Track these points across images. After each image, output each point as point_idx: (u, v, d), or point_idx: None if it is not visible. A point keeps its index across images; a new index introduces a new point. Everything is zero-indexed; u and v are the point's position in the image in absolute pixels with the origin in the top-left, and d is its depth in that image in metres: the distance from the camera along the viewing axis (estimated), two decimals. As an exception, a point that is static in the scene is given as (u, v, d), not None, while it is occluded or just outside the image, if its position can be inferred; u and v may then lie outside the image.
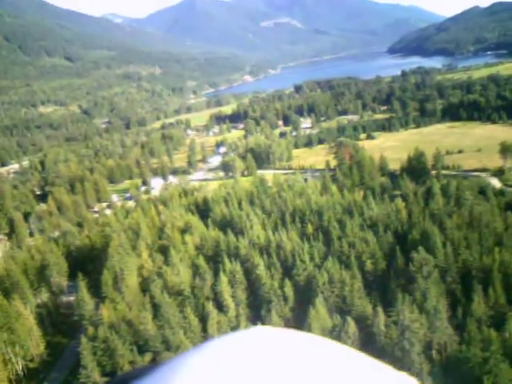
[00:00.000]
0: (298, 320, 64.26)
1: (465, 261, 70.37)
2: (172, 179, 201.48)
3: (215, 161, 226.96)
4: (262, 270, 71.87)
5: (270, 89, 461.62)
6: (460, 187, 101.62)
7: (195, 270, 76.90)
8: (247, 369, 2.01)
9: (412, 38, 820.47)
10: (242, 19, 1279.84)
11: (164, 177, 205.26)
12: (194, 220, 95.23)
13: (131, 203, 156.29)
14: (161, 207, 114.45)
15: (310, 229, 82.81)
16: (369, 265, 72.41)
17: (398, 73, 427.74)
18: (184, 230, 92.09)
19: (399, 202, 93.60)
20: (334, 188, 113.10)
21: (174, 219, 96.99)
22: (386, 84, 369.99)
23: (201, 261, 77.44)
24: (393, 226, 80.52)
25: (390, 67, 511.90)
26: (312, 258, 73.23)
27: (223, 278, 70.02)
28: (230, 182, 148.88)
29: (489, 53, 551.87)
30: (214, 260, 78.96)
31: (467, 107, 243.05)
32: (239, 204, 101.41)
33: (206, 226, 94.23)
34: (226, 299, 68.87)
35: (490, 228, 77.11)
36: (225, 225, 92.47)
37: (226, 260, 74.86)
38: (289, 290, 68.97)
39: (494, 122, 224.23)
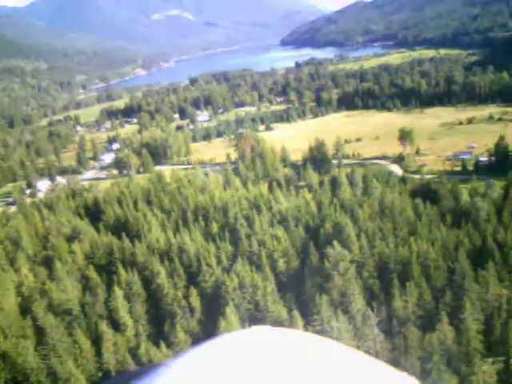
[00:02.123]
0: (207, 334, 56.33)
1: (381, 253, 66.12)
2: (61, 180, 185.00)
3: (108, 158, 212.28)
4: (163, 279, 63.10)
5: (164, 82, 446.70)
6: (366, 176, 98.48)
7: (85, 284, 66.53)
8: (247, 368, 1.97)
9: (303, 30, 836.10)
10: (132, 11, 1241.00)
11: (51, 178, 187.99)
12: (83, 225, 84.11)
13: (14, 208, 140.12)
14: (46, 212, 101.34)
15: (215, 228, 75.01)
16: (281, 264, 66.09)
17: (292, 64, 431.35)
18: (72, 238, 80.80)
19: (307, 193, 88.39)
20: (237, 181, 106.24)
21: (60, 225, 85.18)
22: (281, 75, 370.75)
23: (91, 272, 67.21)
24: (303, 219, 74.85)
25: (284, 59, 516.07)
26: (219, 261, 65.59)
27: (118, 292, 60.28)
28: (125, 180, 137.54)
29: (376, 44, 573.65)
30: (108, 270, 68.95)
31: (362, 96, 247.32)
32: (135, 204, 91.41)
33: (98, 230, 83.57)
34: (123, 316, 59.09)
35: (402, 217, 73.79)
36: (119, 228, 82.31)
37: (121, 270, 65.22)
38: (195, 300, 60.72)
39: (389, 109, 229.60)
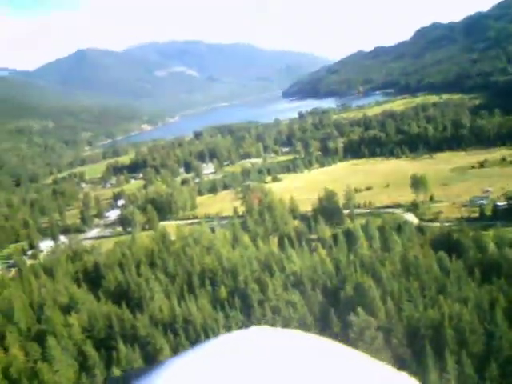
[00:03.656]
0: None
1: (409, 317, 59.39)
2: (64, 240, 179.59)
3: (113, 215, 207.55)
4: (166, 356, 56.45)
5: (169, 137, 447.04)
6: (383, 228, 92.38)
7: (82, 362, 59.76)
8: (247, 369, 2.03)
9: (305, 82, 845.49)
10: (136, 69, 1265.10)
11: (54, 237, 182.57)
12: (81, 293, 77.82)
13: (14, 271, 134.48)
14: (44, 278, 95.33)
15: (223, 293, 68.56)
16: (298, 333, 59.21)
17: (296, 115, 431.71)
18: (69, 307, 74.41)
19: (321, 250, 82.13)
20: (246, 238, 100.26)
21: (56, 294, 78.97)
22: (286, 126, 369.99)
23: (89, 348, 60.62)
24: (320, 281, 68.34)
25: (287, 110, 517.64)
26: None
27: (117, 372, 53.54)
28: (129, 239, 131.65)
29: (377, 92, 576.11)
30: (107, 345, 62.28)
31: (368, 143, 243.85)
32: (137, 267, 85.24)
33: (98, 298, 77.24)
34: (122, 401, 52.39)
35: (429, 274, 67.29)
36: (121, 296, 76.09)
37: (121, 345, 58.62)
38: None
39: (397, 156, 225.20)
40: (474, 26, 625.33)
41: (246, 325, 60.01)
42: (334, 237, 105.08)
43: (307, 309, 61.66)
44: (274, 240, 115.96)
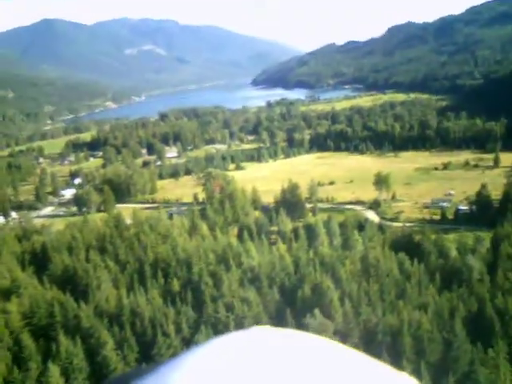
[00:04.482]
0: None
1: (367, 322, 57.18)
2: (16, 216, 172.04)
3: (69, 193, 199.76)
4: (110, 351, 52.64)
5: (133, 116, 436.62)
6: (345, 225, 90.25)
7: (17, 353, 55.33)
8: (247, 369, 1.75)
9: (275, 71, 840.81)
10: (105, 45, 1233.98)
11: (5, 213, 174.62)
12: (25, 277, 72.87)
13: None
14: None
15: (176, 285, 64.77)
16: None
17: (264, 104, 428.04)
18: (10, 292, 69.49)
19: (281, 245, 79.28)
20: (204, 228, 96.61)
21: (-3, 276, 73.75)
22: (253, 114, 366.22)
23: (26, 338, 56.16)
24: (278, 278, 65.42)
25: (255, 98, 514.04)
26: (179, 329, 55.48)
27: (53, 369, 49.33)
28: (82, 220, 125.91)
29: (346, 86, 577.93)
30: (46, 335, 57.95)
31: (335, 137, 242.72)
32: (87, 252, 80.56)
33: (43, 283, 72.42)
34: (57, 399, 48.18)
35: (389, 277, 65.28)
36: (67, 282, 71.49)
37: (62, 337, 54.41)
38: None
39: (361, 152, 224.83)
40: (445, 28, 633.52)
41: (196, 321, 56.83)
42: (295, 231, 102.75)
43: (262, 307, 58.68)
44: (234, 231, 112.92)
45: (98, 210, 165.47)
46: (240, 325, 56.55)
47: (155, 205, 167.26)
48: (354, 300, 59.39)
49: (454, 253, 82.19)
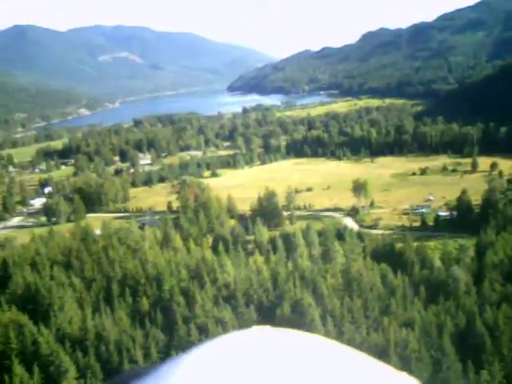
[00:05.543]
0: None
1: (351, 341, 53.26)
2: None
3: (38, 203, 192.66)
4: (71, 380, 47.76)
5: (107, 123, 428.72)
6: (325, 234, 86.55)
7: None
8: (247, 369, 1.75)
9: (250, 77, 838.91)
10: (78, 52, 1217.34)
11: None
12: (-19, 296, 67.28)
13: None
14: None
15: (145, 305, 60.01)
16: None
17: (239, 110, 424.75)
18: (-36, 313, 63.86)
19: (259, 257, 75.14)
20: (177, 239, 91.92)
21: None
22: (228, 120, 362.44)
23: (-22, 367, 50.88)
24: (256, 295, 61.14)
25: (231, 104, 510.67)
26: (147, 354, 50.79)
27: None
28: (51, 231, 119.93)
29: (321, 92, 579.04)
30: (1, 365, 52.67)
31: (311, 143, 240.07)
32: (52, 267, 75.22)
33: (0, 304, 66.94)
34: None
35: (373, 292, 61.59)
36: (28, 301, 66.16)
37: (17, 366, 49.28)
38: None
39: (338, 158, 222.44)
40: (418, 34, 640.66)
41: (166, 345, 52.23)
42: (273, 241, 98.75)
43: (239, 329, 54.40)
44: (209, 241, 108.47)
45: (68, 220, 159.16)
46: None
47: (128, 214, 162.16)
48: (337, 318, 55.55)
49: (437, 263, 79.07)
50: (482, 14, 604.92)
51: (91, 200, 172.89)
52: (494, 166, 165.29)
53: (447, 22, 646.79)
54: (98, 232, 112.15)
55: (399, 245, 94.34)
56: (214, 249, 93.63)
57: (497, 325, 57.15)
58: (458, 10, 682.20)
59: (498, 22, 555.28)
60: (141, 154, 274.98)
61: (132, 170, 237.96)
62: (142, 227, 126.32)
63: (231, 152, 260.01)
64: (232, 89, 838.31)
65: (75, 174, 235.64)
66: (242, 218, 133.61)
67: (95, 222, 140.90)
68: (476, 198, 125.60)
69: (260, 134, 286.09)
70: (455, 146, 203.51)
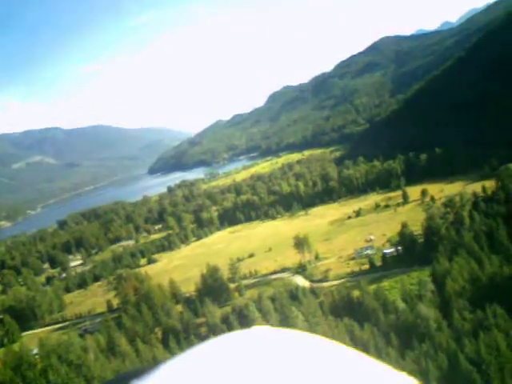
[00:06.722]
0: None
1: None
2: None
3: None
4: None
5: (31, 230, 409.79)
6: (278, 299, 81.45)
7: None
8: (247, 369, 1.73)
9: (169, 156, 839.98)
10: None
11: None
12: None
13: None
14: None
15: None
16: None
17: (165, 190, 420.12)
18: None
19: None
20: (123, 342, 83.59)
21: None
22: (156, 202, 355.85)
23: None
24: None
25: (155, 186, 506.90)
26: None
27: None
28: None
29: (241, 157, 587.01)
30: None
31: (242, 208, 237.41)
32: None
33: None
34: None
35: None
36: None
37: None
38: None
39: (272, 217, 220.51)
40: (321, 85, 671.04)
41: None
42: (225, 320, 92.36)
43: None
44: (158, 335, 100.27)
45: (2, 345, 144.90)
46: None
47: (66, 323, 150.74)
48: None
49: (400, 304, 75.57)
50: (374, 56, 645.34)
51: (24, 316, 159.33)
52: (424, 192, 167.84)
53: (345, 68, 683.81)
54: (35, 351, 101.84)
55: (356, 292, 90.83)
56: (165, 342, 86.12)
57: (481, 357, 53.47)
58: (353, 56, 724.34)
59: (391, 61, 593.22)
60: (71, 256, 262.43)
61: (64, 275, 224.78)
62: (83, 334, 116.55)
63: (164, 234, 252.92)
64: (153, 171, 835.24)
65: (3, 292, 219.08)
66: (188, 301, 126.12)
67: (32, 340, 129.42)
68: (416, 229, 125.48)
69: (190, 210, 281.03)
70: (382, 182, 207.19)
